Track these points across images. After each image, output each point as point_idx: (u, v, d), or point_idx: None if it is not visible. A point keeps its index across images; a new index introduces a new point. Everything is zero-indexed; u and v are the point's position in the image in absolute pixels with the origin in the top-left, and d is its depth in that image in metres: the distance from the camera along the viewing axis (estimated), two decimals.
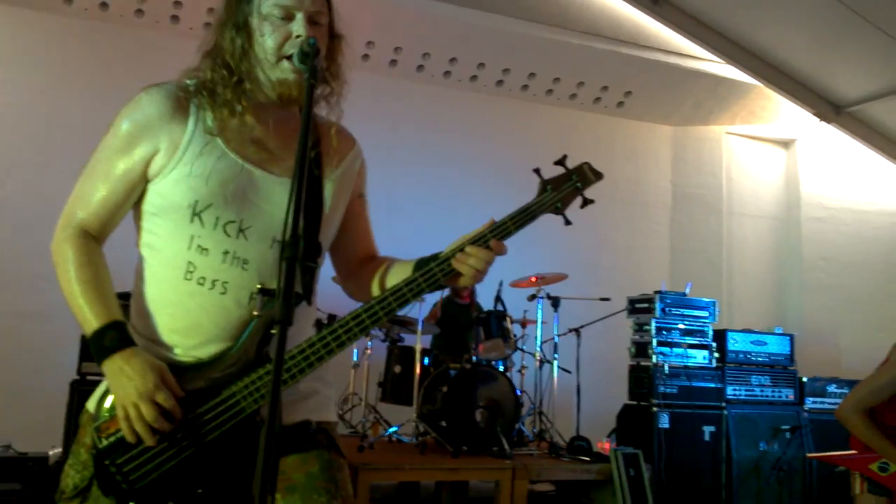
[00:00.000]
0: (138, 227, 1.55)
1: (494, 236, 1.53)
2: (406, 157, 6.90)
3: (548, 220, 1.77)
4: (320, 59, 1.45)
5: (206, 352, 1.47)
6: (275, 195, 1.51)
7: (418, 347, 5.11)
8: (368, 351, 5.64)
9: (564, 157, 1.65)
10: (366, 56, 6.96)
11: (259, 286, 1.48)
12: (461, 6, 6.65)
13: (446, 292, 6.01)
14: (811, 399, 5.79)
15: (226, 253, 1.47)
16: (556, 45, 7.08)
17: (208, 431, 1.42)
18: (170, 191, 1.47)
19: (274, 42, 1.48)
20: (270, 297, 1.46)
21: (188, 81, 1.55)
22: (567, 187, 1.63)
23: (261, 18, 1.49)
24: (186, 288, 1.46)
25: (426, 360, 5.35)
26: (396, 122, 6.98)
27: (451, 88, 7.36)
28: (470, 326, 5.45)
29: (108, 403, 1.45)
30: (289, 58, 1.47)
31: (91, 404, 1.50)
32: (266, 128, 1.55)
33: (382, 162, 6.35)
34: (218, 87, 1.50)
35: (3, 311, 5.59)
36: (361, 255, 1.76)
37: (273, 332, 1.44)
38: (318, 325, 1.63)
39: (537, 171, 1.64)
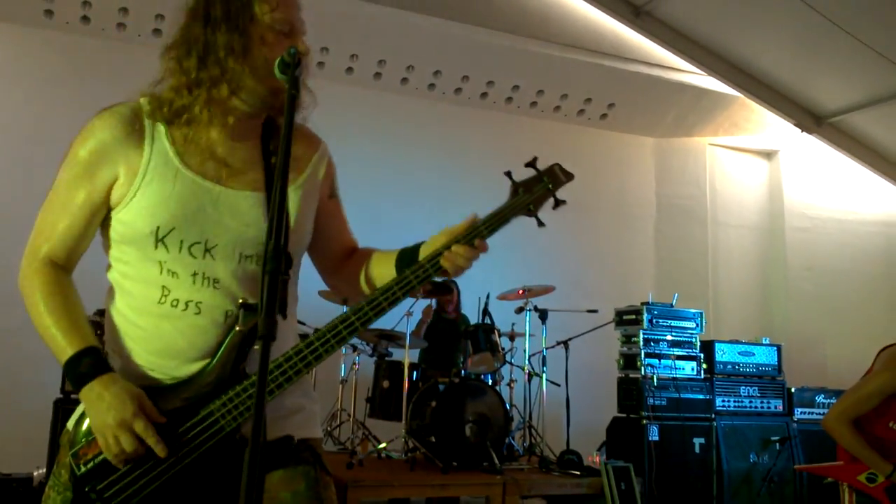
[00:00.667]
0: (108, 254, 1.53)
1: (466, 241, 1.54)
2: (390, 169, 6.90)
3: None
4: (301, 69, 1.43)
5: (185, 372, 1.45)
6: (238, 210, 1.49)
7: (406, 362, 5.06)
8: (356, 366, 5.58)
9: (535, 158, 1.65)
10: (349, 69, 6.96)
11: (241, 300, 1.45)
12: (445, 19, 6.67)
13: (433, 304, 5.99)
14: (800, 409, 5.80)
15: (195, 275, 1.45)
16: (540, 58, 7.12)
17: (188, 452, 1.40)
18: (131, 219, 1.44)
19: (275, 55, 1.43)
20: (251, 311, 1.44)
21: (142, 101, 1.51)
22: (538, 189, 1.63)
23: (264, 27, 1.46)
24: (161, 311, 1.44)
25: (415, 375, 5.31)
26: (380, 134, 6.97)
27: (436, 101, 7.38)
28: (458, 340, 5.42)
29: (84, 427, 1.42)
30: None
31: (71, 424, 1.47)
32: (225, 141, 1.52)
33: (366, 174, 6.33)
34: (181, 96, 1.46)
35: None
36: (342, 251, 1.76)
37: (255, 347, 1.41)
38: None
39: (508, 174, 1.64)
